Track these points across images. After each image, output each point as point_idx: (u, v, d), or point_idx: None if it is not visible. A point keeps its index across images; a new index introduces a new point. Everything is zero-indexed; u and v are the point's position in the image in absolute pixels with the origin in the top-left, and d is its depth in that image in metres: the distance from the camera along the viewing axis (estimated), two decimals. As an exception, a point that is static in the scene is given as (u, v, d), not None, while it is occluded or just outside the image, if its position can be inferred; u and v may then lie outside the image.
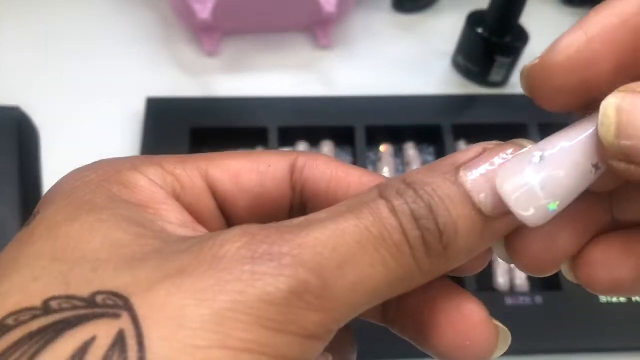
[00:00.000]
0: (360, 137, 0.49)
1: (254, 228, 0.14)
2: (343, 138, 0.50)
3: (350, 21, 0.59)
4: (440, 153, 0.50)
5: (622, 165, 0.14)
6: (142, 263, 0.14)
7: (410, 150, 0.50)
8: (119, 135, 0.50)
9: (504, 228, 0.16)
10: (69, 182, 0.17)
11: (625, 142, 0.14)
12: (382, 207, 0.14)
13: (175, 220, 0.16)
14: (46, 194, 0.17)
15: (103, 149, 0.50)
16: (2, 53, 0.55)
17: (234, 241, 0.14)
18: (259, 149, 0.49)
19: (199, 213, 0.18)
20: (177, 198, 0.17)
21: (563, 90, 0.15)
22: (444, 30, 0.59)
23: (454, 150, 0.49)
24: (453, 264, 0.15)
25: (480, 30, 0.52)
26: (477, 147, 0.16)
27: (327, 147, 0.50)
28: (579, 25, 0.15)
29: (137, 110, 0.50)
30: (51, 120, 0.50)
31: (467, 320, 0.16)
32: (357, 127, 0.49)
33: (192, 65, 0.55)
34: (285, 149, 0.50)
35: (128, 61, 0.55)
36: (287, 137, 0.49)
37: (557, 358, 0.42)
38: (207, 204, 0.18)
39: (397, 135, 0.51)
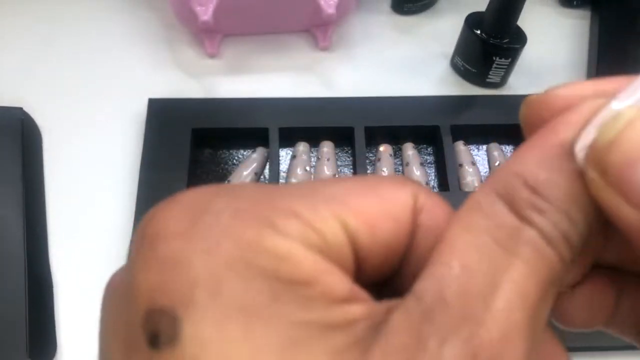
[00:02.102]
0: (359, 137, 0.49)
1: (457, 346, 0.12)
2: (342, 138, 0.51)
3: (350, 23, 0.60)
4: (439, 153, 0.50)
5: (592, 174, 0.13)
6: None
7: (409, 150, 0.50)
8: (121, 135, 0.51)
9: None
10: (200, 262, 0.13)
11: (613, 158, 0.13)
12: (538, 239, 0.13)
13: (343, 293, 0.13)
14: (169, 275, 0.13)
15: (105, 149, 0.50)
16: (5, 54, 0.55)
17: None
18: (259, 149, 0.50)
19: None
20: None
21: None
22: (443, 31, 0.59)
23: (453, 150, 0.50)
24: None
25: (478, 32, 0.52)
26: (581, 112, 0.14)
27: (326, 147, 0.50)
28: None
29: (139, 110, 0.51)
30: (54, 120, 0.51)
31: None
32: (356, 127, 0.49)
33: (193, 66, 0.56)
34: (286, 150, 0.50)
35: (130, 62, 0.55)
36: (288, 138, 0.50)
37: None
38: (349, 266, 0.15)
39: (396, 136, 0.51)
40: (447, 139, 0.50)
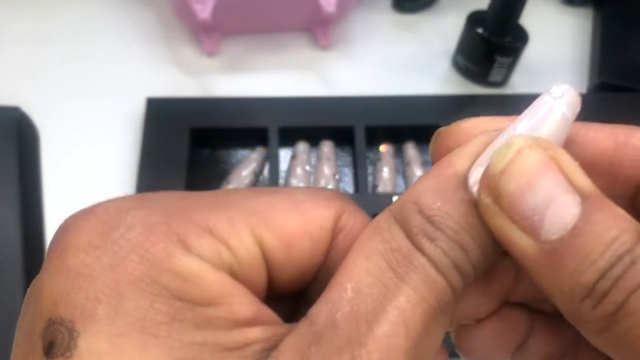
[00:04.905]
0: (360, 137, 0.49)
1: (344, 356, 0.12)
2: (343, 138, 0.50)
3: (350, 21, 0.59)
4: (440, 153, 0.50)
5: (486, 200, 0.13)
6: None
7: (410, 150, 0.50)
8: (118, 135, 0.50)
9: None
10: (104, 276, 0.13)
11: (505, 185, 0.13)
12: (427, 267, 0.13)
13: (246, 316, 0.14)
14: (72, 287, 0.13)
15: (103, 148, 0.50)
16: (2, 53, 0.55)
17: None
18: (259, 149, 0.49)
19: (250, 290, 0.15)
20: (234, 277, 0.14)
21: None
22: (444, 30, 0.59)
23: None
24: None
25: (480, 30, 0.51)
26: (475, 145, 0.15)
27: (327, 147, 0.50)
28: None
29: (137, 110, 0.50)
30: (51, 120, 0.51)
31: None
32: (357, 127, 0.49)
33: (192, 65, 0.55)
34: (286, 150, 0.50)
35: (128, 61, 0.55)
36: (287, 137, 0.49)
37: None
38: (261, 281, 0.15)
39: (397, 135, 0.51)
40: (448, 138, 0.49)
